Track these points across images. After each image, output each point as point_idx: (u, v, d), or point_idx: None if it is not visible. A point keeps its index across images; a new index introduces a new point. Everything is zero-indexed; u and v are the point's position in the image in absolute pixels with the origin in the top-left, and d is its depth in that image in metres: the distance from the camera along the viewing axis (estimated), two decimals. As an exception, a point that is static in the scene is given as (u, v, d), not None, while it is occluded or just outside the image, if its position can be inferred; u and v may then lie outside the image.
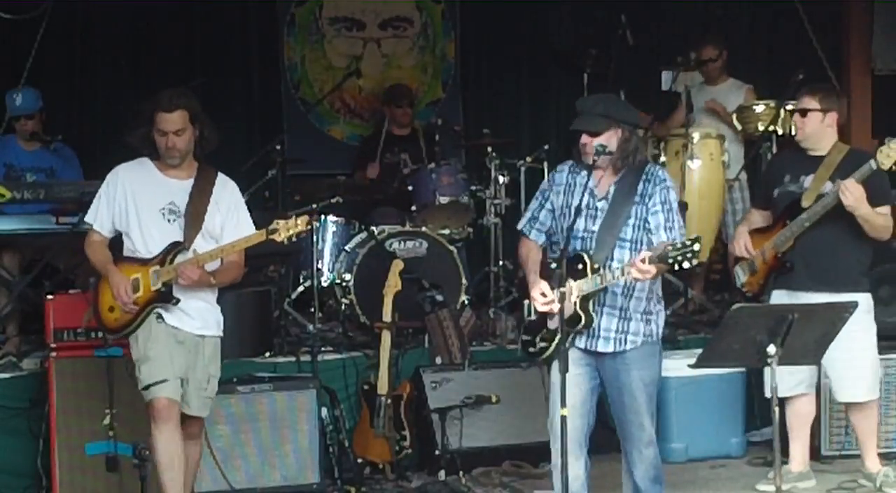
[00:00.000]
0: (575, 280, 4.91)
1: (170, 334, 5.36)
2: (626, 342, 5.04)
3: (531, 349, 5.15)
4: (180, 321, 5.39)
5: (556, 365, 4.93)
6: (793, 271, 5.92)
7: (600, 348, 5.04)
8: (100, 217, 5.46)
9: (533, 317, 5.12)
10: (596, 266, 4.91)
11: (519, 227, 5.29)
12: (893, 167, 5.69)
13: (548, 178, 5.27)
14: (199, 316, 5.44)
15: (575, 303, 4.92)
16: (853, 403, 6.10)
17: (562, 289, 4.85)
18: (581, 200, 4.98)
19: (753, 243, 6.05)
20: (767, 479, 6.11)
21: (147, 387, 5.31)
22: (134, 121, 5.48)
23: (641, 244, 5.01)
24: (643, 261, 4.73)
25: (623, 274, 4.84)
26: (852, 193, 5.70)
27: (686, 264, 4.72)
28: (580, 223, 5.00)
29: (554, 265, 5.00)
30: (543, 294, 4.94)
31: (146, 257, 5.38)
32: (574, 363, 4.88)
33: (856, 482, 6.10)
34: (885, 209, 5.89)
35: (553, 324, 4.98)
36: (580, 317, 4.95)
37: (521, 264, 5.29)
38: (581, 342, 5.04)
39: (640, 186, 5.03)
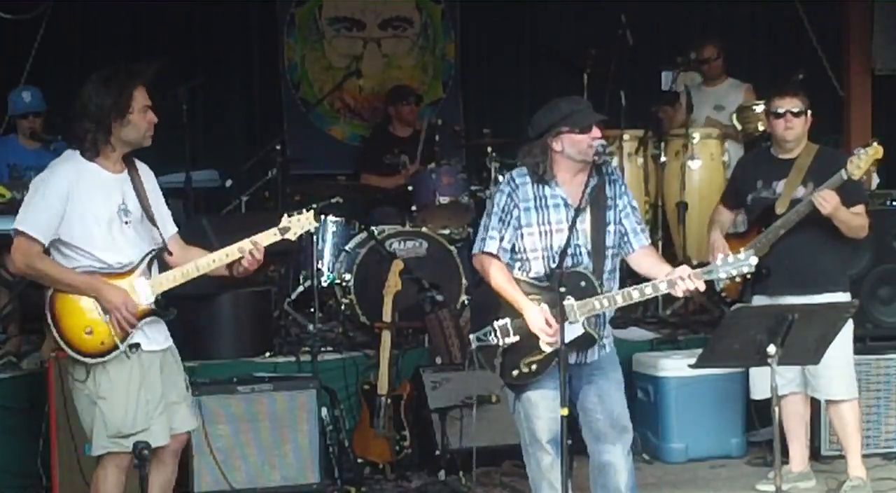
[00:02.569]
0: (577, 299, 4.76)
1: (139, 362, 4.75)
2: (605, 347, 4.99)
3: (514, 373, 4.87)
4: (151, 342, 4.80)
5: (534, 390, 4.87)
6: (769, 277, 5.92)
7: (588, 359, 4.94)
8: (39, 224, 4.63)
9: (511, 339, 4.86)
10: (600, 283, 4.80)
11: (488, 250, 4.92)
12: (864, 177, 5.72)
13: (506, 194, 4.94)
14: (163, 328, 4.88)
15: (584, 324, 4.78)
16: (831, 401, 6.10)
17: (565, 304, 4.72)
18: (567, 215, 4.83)
19: (731, 249, 6.02)
20: (767, 479, 6.12)
21: (124, 436, 4.66)
22: (93, 106, 4.69)
23: (618, 249, 4.96)
24: (689, 277, 4.67)
25: (654, 291, 4.75)
26: (829, 202, 5.72)
27: (738, 279, 4.71)
28: (564, 239, 4.78)
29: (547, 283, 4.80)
30: (549, 325, 4.71)
31: (117, 269, 4.71)
32: (551, 378, 4.74)
33: (861, 480, 6.06)
34: (860, 209, 5.93)
35: (550, 347, 4.75)
36: (593, 337, 4.83)
37: (493, 287, 4.89)
38: (571, 358, 4.84)
39: (608, 189, 4.93)
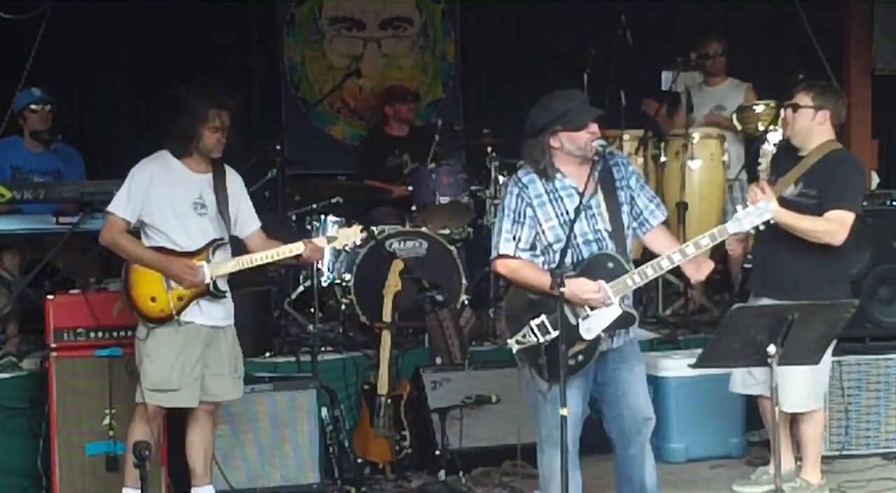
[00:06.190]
0: (607, 280, 4.76)
1: (185, 332, 5.52)
2: (629, 332, 4.98)
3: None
4: (205, 316, 5.56)
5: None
6: (749, 273, 5.88)
7: (615, 344, 4.93)
8: (129, 207, 5.50)
9: (551, 335, 4.77)
10: (627, 260, 4.81)
11: (504, 251, 4.89)
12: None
13: (514, 195, 4.91)
14: (224, 307, 5.64)
15: (620, 304, 4.78)
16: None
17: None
18: (579, 204, 4.81)
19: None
20: (750, 480, 6.19)
21: (159, 390, 5.48)
22: (182, 117, 5.59)
23: (636, 227, 5.01)
24: (716, 233, 4.79)
25: (682, 256, 4.78)
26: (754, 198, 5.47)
27: (762, 226, 4.82)
28: (584, 227, 4.84)
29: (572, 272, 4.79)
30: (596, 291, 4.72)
31: (186, 250, 5.52)
32: (579, 376, 4.75)
33: (806, 482, 6.02)
34: (836, 214, 5.60)
35: (591, 334, 4.76)
36: (632, 315, 4.85)
37: (522, 283, 4.87)
38: (602, 345, 4.87)
39: (615, 172, 4.96)
